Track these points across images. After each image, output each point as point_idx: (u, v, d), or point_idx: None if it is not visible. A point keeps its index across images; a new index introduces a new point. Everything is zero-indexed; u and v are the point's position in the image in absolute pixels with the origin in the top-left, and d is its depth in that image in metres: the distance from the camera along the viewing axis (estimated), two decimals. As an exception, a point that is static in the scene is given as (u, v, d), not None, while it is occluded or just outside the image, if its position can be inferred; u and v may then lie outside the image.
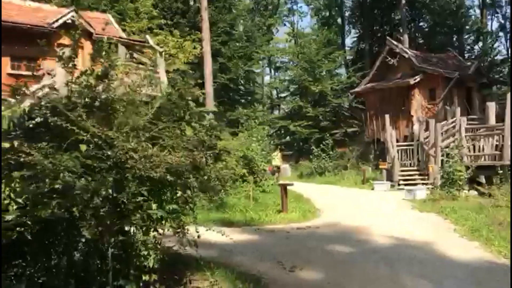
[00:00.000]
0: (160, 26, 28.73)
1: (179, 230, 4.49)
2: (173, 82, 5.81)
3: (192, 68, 27.83)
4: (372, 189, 20.15)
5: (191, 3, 33.63)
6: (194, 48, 28.31)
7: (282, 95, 47.98)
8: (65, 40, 14.77)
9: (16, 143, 3.38)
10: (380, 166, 22.47)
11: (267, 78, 54.92)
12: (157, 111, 4.62)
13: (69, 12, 17.54)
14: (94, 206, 3.85)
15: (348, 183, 23.57)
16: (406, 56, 26.51)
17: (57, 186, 3.32)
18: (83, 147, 3.54)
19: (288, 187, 13.94)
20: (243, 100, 38.25)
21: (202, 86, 27.01)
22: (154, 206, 4.73)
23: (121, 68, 5.90)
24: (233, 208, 13.07)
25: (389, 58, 27.10)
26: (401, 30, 37.23)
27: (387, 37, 30.61)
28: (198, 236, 5.16)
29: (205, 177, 4.59)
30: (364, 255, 8.11)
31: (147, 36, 21.02)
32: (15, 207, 3.41)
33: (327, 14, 50.25)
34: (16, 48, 15.85)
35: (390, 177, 21.11)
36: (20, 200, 3.45)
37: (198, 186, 4.61)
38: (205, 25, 27.97)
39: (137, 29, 26.80)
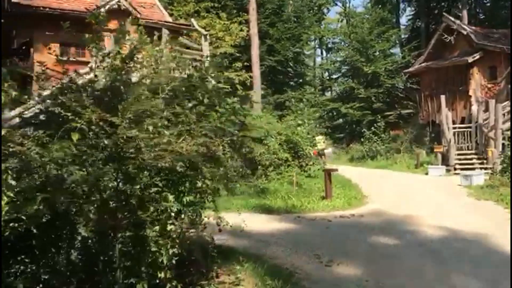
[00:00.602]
0: (207, 9, 28.45)
1: (193, 225, 4.12)
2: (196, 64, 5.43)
3: (239, 51, 27.50)
4: (426, 173, 19.14)
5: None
6: (241, 30, 27.92)
7: (334, 76, 46.80)
8: (112, 25, 14.75)
9: (4, 132, 3.10)
10: (435, 150, 21.32)
11: (318, 60, 53.76)
12: (171, 95, 4.23)
13: (114, -2, 17.51)
14: (97, 200, 3.54)
15: (400, 167, 22.55)
16: (465, 32, 24.80)
17: (45, 179, 3.02)
18: (75, 136, 3.20)
19: (336, 172, 13.39)
20: (292, 83, 37.49)
21: (249, 69, 26.70)
22: (171, 197, 4.39)
23: (150, 51, 5.60)
24: (274, 194, 12.65)
25: (446, 36, 25.51)
26: (460, 6, 35.00)
27: (444, 14, 28.84)
28: (219, 230, 4.85)
29: (221, 168, 4.16)
30: (410, 249, 7.50)
31: (192, 20, 20.79)
32: (5, 201, 3.12)
33: (381, -9, 48.20)
34: (65, 34, 16.03)
35: (445, 161, 20.00)
36: (11, 194, 3.16)
37: (215, 177, 4.20)
38: (252, 7, 27.49)
39: (184, 12, 26.68)
